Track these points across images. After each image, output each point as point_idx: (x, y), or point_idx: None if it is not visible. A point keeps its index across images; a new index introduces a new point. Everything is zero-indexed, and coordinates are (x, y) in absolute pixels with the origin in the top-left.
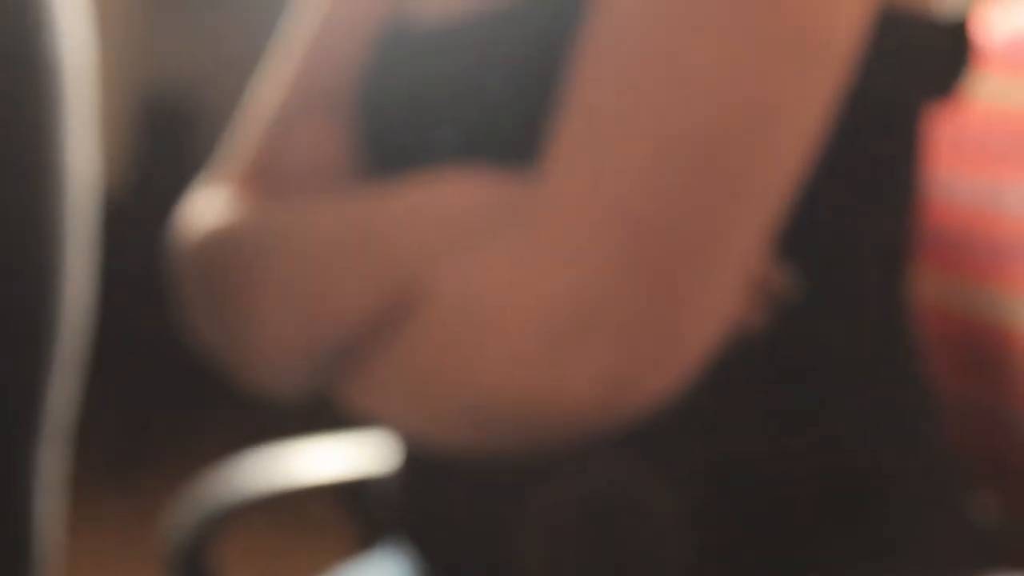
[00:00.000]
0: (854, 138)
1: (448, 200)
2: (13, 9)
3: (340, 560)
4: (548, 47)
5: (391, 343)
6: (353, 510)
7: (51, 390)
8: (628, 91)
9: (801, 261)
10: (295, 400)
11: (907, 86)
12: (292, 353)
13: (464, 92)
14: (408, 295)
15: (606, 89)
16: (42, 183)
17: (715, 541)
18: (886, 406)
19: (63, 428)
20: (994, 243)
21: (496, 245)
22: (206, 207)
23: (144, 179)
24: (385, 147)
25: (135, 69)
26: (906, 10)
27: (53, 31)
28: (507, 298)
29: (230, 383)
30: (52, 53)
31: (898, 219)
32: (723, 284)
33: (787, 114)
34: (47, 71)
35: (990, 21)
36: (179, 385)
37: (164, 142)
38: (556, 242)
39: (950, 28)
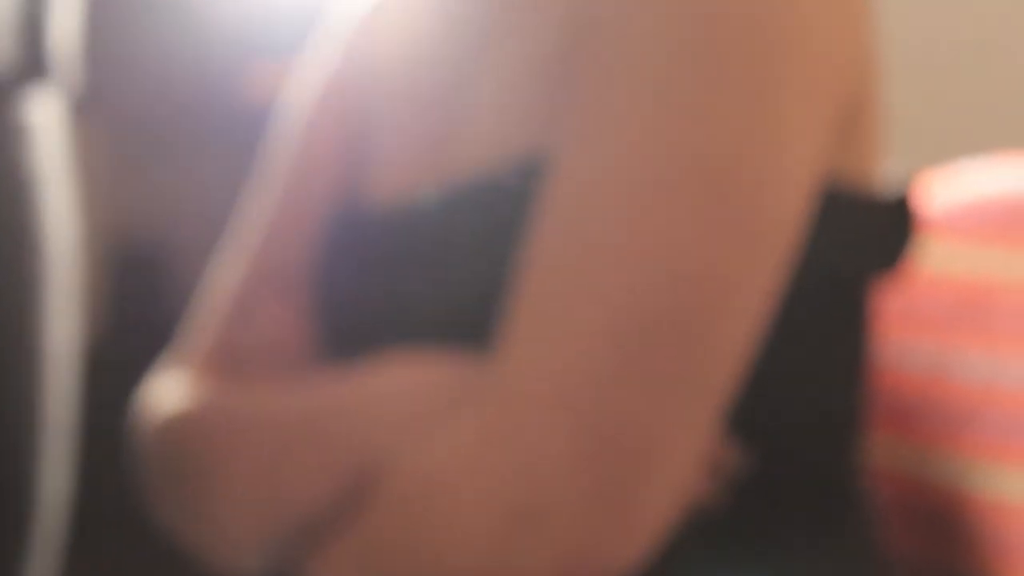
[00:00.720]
0: (802, 313)
1: (404, 384)
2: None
3: None
4: (502, 228)
5: (350, 524)
6: None
7: (27, 569)
8: (576, 275)
9: (752, 434)
10: None
11: (852, 262)
12: (252, 534)
13: (420, 273)
14: (366, 478)
15: (555, 273)
16: (22, 360)
17: None
18: (843, 574)
19: None
20: (946, 408)
21: (451, 429)
22: (168, 389)
23: (112, 332)
24: (343, 327)
25: (102, 222)
26: (849, 187)
27: (38, 207)
28: (463, 483)
29: (193, 557)
30: (37, 230)
31: (849, 391)
32: (676, 465)
33: (735, 296)
34: (32, 248)
35: (933, 189)
36: (144, 552)
37: (132, 295)
38: (510, 428)
39: (893, 204)
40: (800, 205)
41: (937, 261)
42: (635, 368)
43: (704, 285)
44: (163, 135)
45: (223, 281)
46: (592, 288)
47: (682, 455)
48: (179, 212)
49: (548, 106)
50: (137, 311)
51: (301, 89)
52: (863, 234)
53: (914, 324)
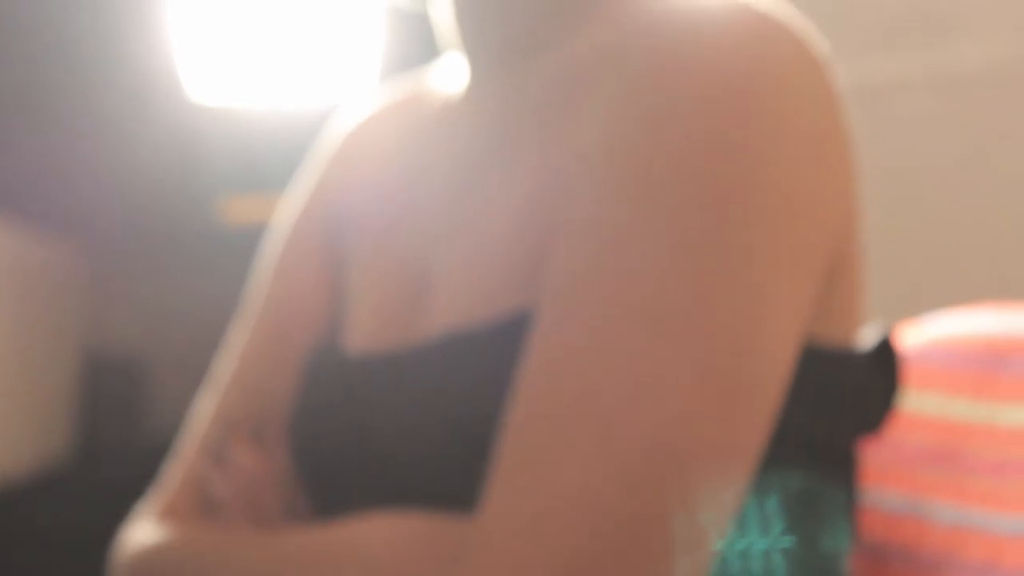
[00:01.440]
0: (785, 474)
1: (381, 546)
2: None
3: None
4: (480, 384)
5: None
6: None
7: None
8: (555, 435)
9: None
10: None
11: (834, 421)
12: None
13: (394, 426)
14: None
15: (535, 434)
16: None
17: None
18: None
19: None
20: (915, 552)
21: None
22: (143, 531)
23: (89, 442)
24: (317, 478)
25: (79, 334)
26: (831, 345)
27: None
28: None
29: None
30: None
31: (837, 545)
32: None
33: (715, 464)
34: None
35: (905, 338)
36: None
37: (110, 406)
38: None
39: (875, 361)
40: (783, 369)
41: (907, 406)
42: (616, 532)
43: (681, 448)
44: (144, 256)
45: (198, 423)
46: (568, 448)
47: None
48: (157, 329)
49: (531, 260)
50: (114, 426)
51: (282, 226)
52: (845, 394)
53: (883, 468)
